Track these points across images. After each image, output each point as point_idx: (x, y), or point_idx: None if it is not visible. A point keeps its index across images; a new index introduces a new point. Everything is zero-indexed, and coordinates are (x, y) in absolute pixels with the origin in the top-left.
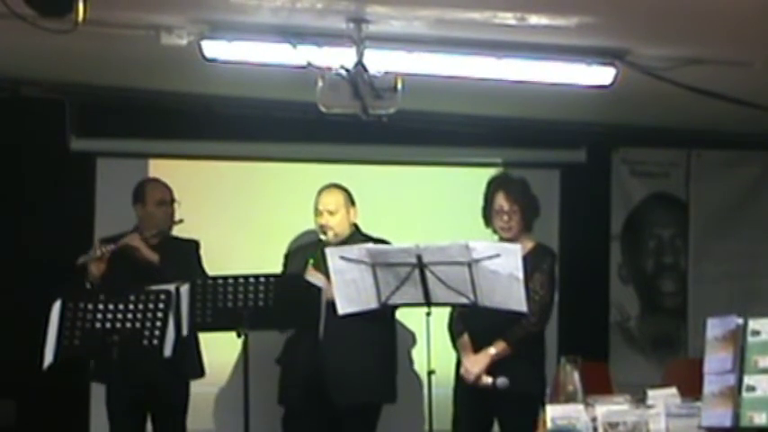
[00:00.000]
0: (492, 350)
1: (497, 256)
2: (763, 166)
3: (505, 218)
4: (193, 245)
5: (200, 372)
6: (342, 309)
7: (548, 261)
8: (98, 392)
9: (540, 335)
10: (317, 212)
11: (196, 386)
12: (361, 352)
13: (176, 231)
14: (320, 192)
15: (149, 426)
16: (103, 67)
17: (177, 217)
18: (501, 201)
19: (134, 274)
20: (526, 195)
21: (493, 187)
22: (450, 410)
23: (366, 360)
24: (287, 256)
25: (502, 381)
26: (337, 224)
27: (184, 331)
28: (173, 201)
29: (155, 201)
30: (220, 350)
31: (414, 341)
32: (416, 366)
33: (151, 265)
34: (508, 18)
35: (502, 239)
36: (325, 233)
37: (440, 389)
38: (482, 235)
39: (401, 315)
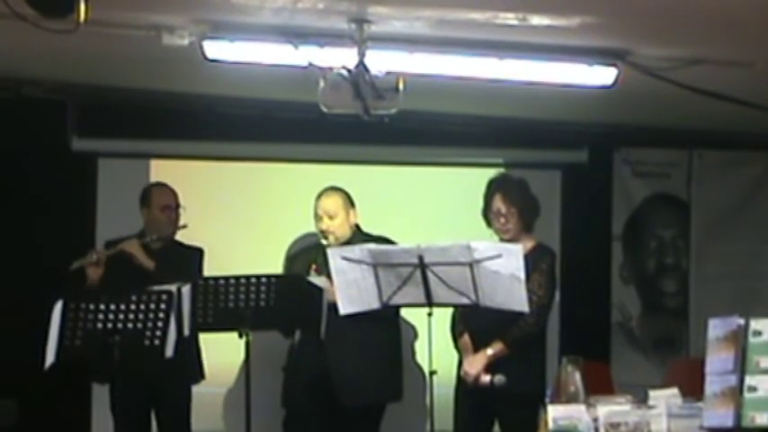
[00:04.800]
0: (489, 351)
1: (499, 256)
2: (764, 167)
3: (503, 220)
4: (197, 253)
5: (199, 376)
6: (343, 309)
7: (547, 261)
8: (100, 392)
9: (540, 335)
10: (317, 217)
11: (204, 387)
12: (366, 353)
13: (181, 235)
14: (319, 196)
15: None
16: (105, 68)
17: (182, 222)
18: (498, 203)
19: (130, 279)
20: (524, 197)
21: (491, 189)
22: (451, 410)
23: (371, 360)
24: (288, 259)
25: (499, 378)
26: (337, 228)
27: (186, 331)
28: (178, 206)
29: (159, 205)
30: (228, 351)
31: (416, 336)
32: (419, 363)
33: (147, 272)
34: (510, 18)
35: (502, 240)
36: (326, 237)
37: (441, 389)
38: (483, 235)
39: (403, 313)
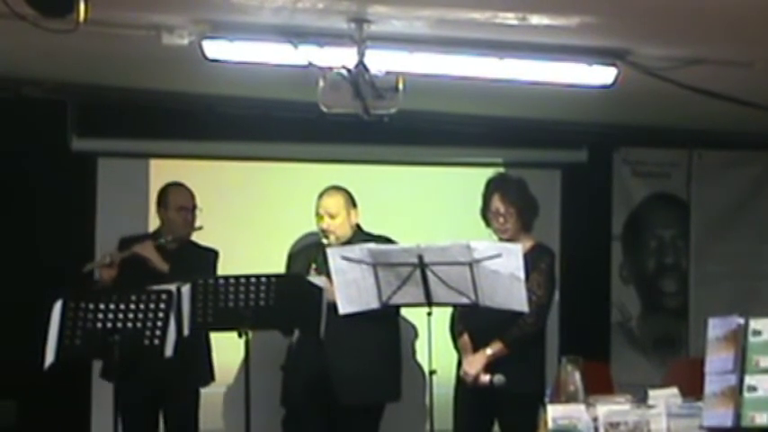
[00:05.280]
0: (488, 351)
1: (498, 256)
2: (763, 167)
3: (501, 219)
4: (212, 254)
5: (209, 378)
6: (343, 308)
7: (546, 260)
8: (100, 392)
9: (539, 334)
10: (318, 216)
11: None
12: (365, 352)
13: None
14: (321, 195)
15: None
16: (105, 67)
17: (198, 223)
18: (497, 203)
19: (144, 281)
20: (522, 196)
21: (489, 189)
22: (451, 410)
23: (371, 360)
24: (290, 258)
25: (498, 378)
26: (338, 227)
27: (185, 331)
28: (194, 207)
29: (176, 206)
30: (228, 351)
31: (415, 335)
32: (419, 362)
33: (161, 275)
34: (509, 18)
35: (500, 240)
36: (326, 237)
37: (441, 388)
38: (483, 235)
39: (403, 312)
